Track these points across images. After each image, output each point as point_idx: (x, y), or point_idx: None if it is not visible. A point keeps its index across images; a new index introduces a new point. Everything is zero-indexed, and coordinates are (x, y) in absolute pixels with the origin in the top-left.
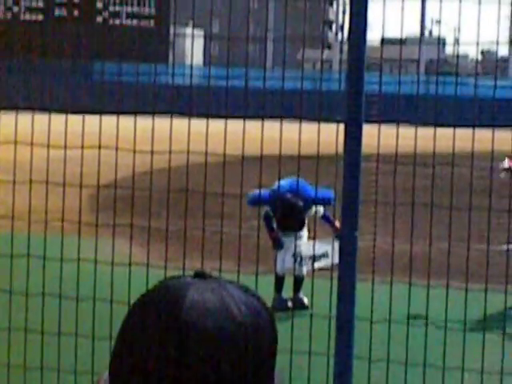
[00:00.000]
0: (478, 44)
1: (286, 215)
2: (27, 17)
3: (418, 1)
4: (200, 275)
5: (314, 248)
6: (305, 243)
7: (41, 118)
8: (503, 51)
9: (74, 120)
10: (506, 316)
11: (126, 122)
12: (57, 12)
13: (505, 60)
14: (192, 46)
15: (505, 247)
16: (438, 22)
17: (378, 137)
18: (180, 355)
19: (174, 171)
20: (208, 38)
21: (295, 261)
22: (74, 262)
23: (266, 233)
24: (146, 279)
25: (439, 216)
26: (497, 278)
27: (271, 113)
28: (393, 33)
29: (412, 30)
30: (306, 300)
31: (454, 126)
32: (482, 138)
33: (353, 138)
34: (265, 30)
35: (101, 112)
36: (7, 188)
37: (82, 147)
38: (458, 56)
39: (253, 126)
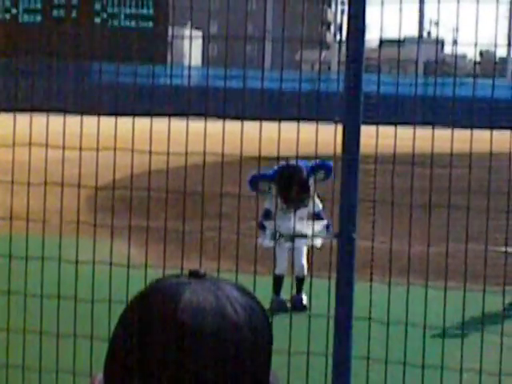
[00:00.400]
0: (476, 45)
1: (289, 181)
2: (25, 18)
3: (416, 2)
4: (195, 274)
5: (294, 227)
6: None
7: (39, 119)
8: (502, 52)
9: (72, 121)
10: (503, 317)
11: (124, 122)
12: (55, 13)
13: (504, 60)
14: (190, 47)
15: (503, 249)
16: (436, 23)
17: (376, 137)
18: (176, 356)
19: (172, 172)
20: (206, 39)
21: (274, 238)
22: (72, 263)
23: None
24: (144, 280)
25: (438, 217)
26: (495, 278)
27: (269, 113)
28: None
29: (410, 30)
30: (305, 301)
31: (453, 127)
32: (480, 139)
33: (351, 138)
34: (263, 30)
35: (99, 113)
36: (5, 189)
37: (80, 148)
38: (456, 56)
39: (251, 126)
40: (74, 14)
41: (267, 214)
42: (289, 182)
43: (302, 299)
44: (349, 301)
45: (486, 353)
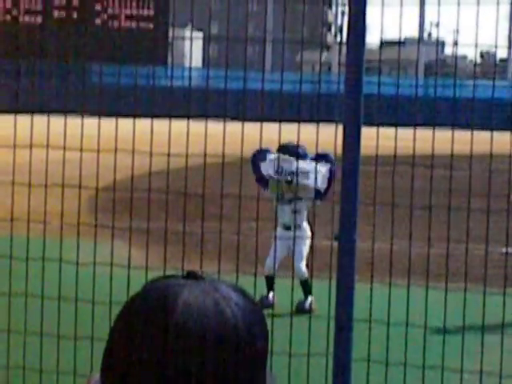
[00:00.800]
0: (476, 46)
1: (286, 149)
2: (26, 19)
3: (416, 3)
4: (192, 276)
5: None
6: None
7: (39, 120)
8: (503, 53)
9: (73, 122)
10: (504, 318)
11: (126, 124)
12: (56, 14)
13: (504, 61)
14: (191, 48)
15: (503, 250)
16: (437, 24)
17: (376, 138)
18: (174, 357)
19: (172, 173)
20: (207, 40)
21: (278, 172)
22: (73, 265)
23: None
24: (145, 282)
25: (438, 218)
26: (496, 279)
27: (270, 114)
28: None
29: (411, 31)
30: (308, 305)
31: (453, 128)
32: (481, 140)
33: (351, 139)
34: (264, 32)
35: (99, 114)
36: (6, 190)
37: (81, 149)
38: (456, 58)
39: (251, 127)
40: (74, 15)
41: (255, 160)
42: (286, 149)
43: (303, 304)
44: (349, 302)
45: (486, 354)
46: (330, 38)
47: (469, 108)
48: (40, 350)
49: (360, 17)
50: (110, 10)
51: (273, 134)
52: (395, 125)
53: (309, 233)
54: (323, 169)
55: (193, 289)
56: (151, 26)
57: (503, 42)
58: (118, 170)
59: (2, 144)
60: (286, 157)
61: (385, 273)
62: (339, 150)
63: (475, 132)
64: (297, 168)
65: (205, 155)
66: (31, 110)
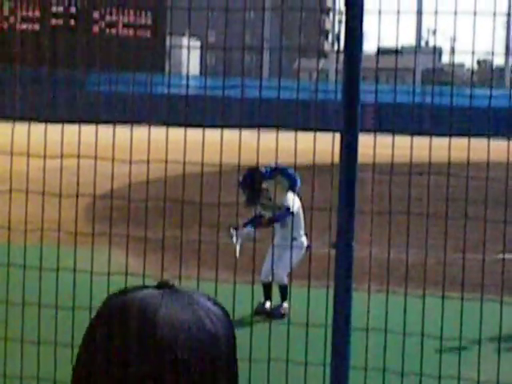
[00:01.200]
0: (473, 53)
1: (248, 180)
2: (23, 26)
3: (414, 12)
4: (163, 285)
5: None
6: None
7: (36, 128)
8: (500, 61)
9: (70, 130)
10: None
11: (122, 131)
12: (53, 22)
13: (501, 69)
14: (188, 56)
15: (500, 256)
16: (434, 32)
17: (373, 146)
18: (158, 372)
19: (170, 181)
20: (204, 48)
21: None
22: (70, 273)
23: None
24: None
25: (435, 225)
26: (493, 287)
27: (267, 122)
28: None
29: (408, 40)
30: (282, 310)
31: (450, 136)
32: (478, 148)
33: (349, 147)
34: (261, 40)
35: (97, 122)
36: (3, 198)
37: (79, 157)
38: (453, 65)
39: (249, 135)
40: (72, 23)
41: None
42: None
43: (277, 309)
44: (347, 310)
45: (484, 362)
46: (327, 46)
47: (466, 115)
48: (37, 358)
49: (357, 25)
50: (107, 18)
51: (270, 141)
52: (392, 132)
53: (304, 244)
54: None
55: (171, 302)
56: (149, 34)
57: (500, 49)
58: (116, 178)
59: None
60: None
61: (382, 280)
62: (336, 158)
63: (474, 140)
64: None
65: (202, 163)
66: (28, 118)
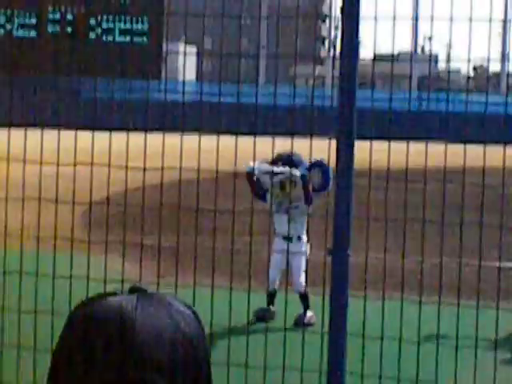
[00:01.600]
0: (469, 61)
1: (279, 159)
2: (20, 33)
3: (410, 18)
4: (135, 290)
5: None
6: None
7: (33, 134)
8: (496, 67)
9: (66, 136)
10: (497, 332)
11: (119, 138)
12: (50, 29)
13: (497, 75)
14: (184, 63)
15: (497, 264)
16: (430, 38)
17: (369, 152)
18: (138, 375)
19: (166, 187)
20: (200, 55)
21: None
22: (67, 279)
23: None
24: None
25: (431, 232)
26: (490, 293)
27: (264, 129)
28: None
29: (404, 46)
30: (307, 319)
31: (446, 142)
32: (474, 154)
33: (345, 153)
34: (257, 46)
35: (93, 128)
36: (0, 204)
37: (75, 164)
38: (449, 72)
39: (245, 141)
40: (68, 30)
41: (250, 175)
42: (276, 160)
43: (303, 318)
44: (343, 317)
45: (480, 368)
46: (323, 52)
47: (462, 122)
48: (33, 365)
49: (353, 31)
50: (104, 25)
51: (267, 147)
52: (388, 139)
53: (307, 246)
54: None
55: (147, 307)
56: (145, 40)
57: (496, 55)
58: (112, 184)
59: None
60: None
61: (378, 287)
62: (333, 164)
63: (469, 146)
64: (290, 173)
65: (198, 169)
66: (24, 124)
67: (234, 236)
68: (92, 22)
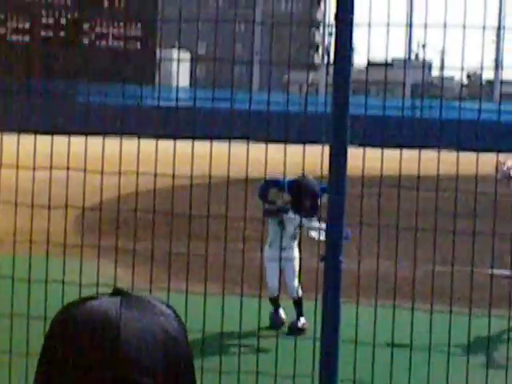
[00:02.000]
0: (462, 68)
1: (303, 193)
2: (14, 37)
3: (404, 25)
4: (117, 293)
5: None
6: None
7: (26, 139)
8: (490, 74)
9: (60, 141)
10: (489, 340)
11: (112, 143)
12: (43, 33)
13: (491, 83)
14: (178, 69)
15: (489, 271)
16: (424, 45)
17: (362, 159)
18: (127, 381)
19: (159, 193)
20: (194, 61)
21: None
22: (59, 284)
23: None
24: None
25: (424, 239)
26: (482, 301)
27: (257, 135)
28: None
29: (398, 53)
30: (301, 325)
31: (439, 149)
32: (467, 161)
33: (338, 160)
34: (251, 53)
35: (86, 133)
36: None
37: (68, 169)
38: (443, 79)
39: (238, 147)
40: (61, 34)
41: (265, 189)
42: (303, 193)
43: (296, 324)
44: (335, 323)
45: (471, 376)
46: (317, 59)
47: (455, 129)
48: (25, 370)
49: (347, 38)
50: (97, 30)
51: (260, 153)
52: (381, 146)
53: (297, 251)
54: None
55: (130, 307)
56: (139, 45)
57: (489, 62)
58: (105, 189)
59: None
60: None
61: (371, 294)
62: (326, 171)
63: (462, 154)
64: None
65: (191, 176)
66: (17, 129)
67: (227, 242)
68: (85, 26)
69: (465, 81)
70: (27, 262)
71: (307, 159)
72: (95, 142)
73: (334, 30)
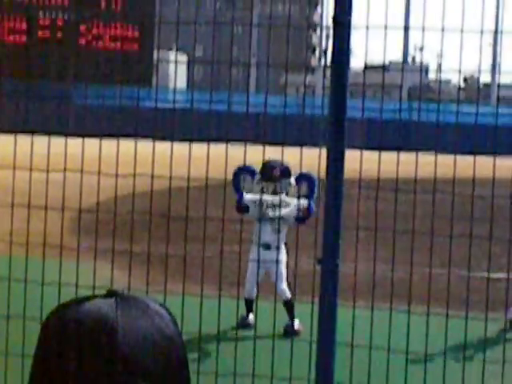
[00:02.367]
0: (460, 71)
1: (272, 166)
2: (10, 38)
3: (401, 28)
4: (112, 294)
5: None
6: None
7: (22, 140)
8: (486, 78)
9: (57, 142)
10: (485, 342)
11: (109, 145)
12: (40, 34)
13: (488, 86)
14: (175, 71)
15: (486, 274)
16: (421, 48)
17: (360, 162)
18: (125, 383)
19: (156, 195)
20: (191, 63)
21: (261, 207)
22: (55, 286)
23: (247, 257)
24: None
25: (421, 242)
26: (478, 304)
27: (254, 137)
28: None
29: (395, 56)
30: (297, 326)
31: (436, 152)
32: (464, 165)
33: (335, 163)
34: (248, 55)
35: (83, 135)
36: None
37: (65, 170)
38: (440, 82)
39: (236, 149)
40: (59, 35)
41: (237, 175)
42: (271, 166)
43: (291, 327)
44: (332, 326)
45: (467, 379)
46: (314, 61)
47: (452, 132)
48: (21, 371)
49: (345, 40)
50: (94, 31)
51: (257, 155)
52: (379, 148)
53: (285, 254)
54: (304, 202)
55: (126, 308)
56: (136, 47)
57: (486, 66)
58: (102, 191)
59: None
60: (269, 197)
61: (367, 297)
62: (323, 174)
63: (459, 157)
64: (280, 200)
65: (188, 177)
66: (14, 130)
67: (224, 245)
68: (82, 28)
69: (462, 84)
70: (23, 263)
71: (304, 161)
72: (92, 143)
73: (331, 32)
